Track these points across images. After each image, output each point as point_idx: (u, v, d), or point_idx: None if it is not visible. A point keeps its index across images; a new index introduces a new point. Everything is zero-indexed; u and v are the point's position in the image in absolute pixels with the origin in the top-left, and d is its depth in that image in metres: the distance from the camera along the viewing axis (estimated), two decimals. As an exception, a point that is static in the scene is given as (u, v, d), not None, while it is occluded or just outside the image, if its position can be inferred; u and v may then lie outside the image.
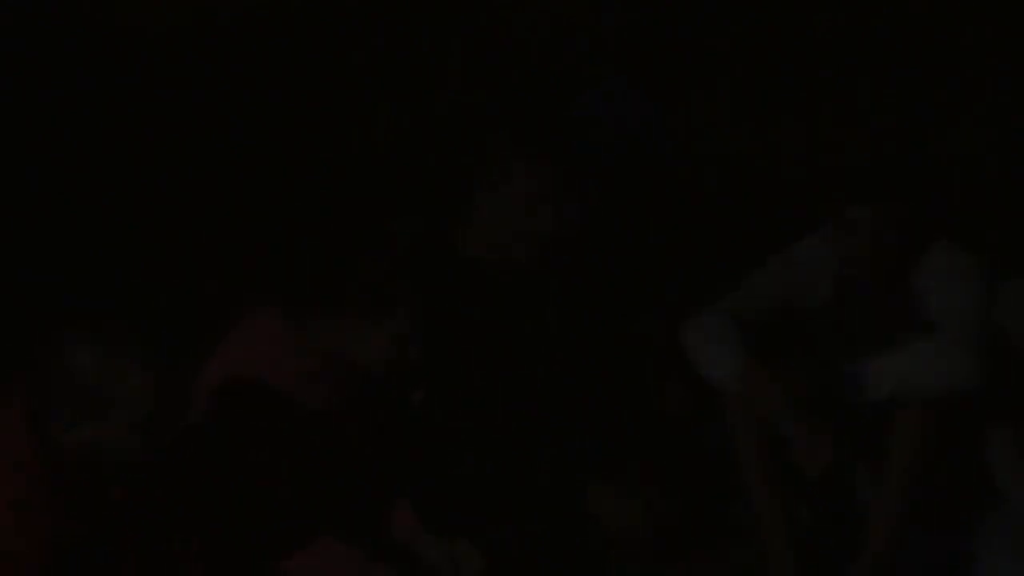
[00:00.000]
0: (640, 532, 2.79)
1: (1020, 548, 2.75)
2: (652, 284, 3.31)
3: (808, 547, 2.77)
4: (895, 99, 4.78)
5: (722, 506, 2.97)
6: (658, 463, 2.89)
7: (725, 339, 2.70)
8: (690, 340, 2.74)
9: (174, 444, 2.23)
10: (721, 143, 4.35)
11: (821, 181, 2.87)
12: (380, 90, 4.40)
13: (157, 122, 3.89)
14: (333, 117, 4.21)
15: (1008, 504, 2.79)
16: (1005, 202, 4.09)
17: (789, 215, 3.09)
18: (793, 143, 4.42)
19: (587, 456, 2.83)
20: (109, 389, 2.08)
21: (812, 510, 2.86)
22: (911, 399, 2.63)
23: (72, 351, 2.08)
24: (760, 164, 4.32)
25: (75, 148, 3.73)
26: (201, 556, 2.35)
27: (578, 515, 2.77)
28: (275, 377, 2.53)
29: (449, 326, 2.80)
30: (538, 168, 2.77)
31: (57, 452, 2.10)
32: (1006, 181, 4.26)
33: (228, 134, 3.88)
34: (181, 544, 2.31)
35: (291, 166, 3.60)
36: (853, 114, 4.61)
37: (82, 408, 2.08)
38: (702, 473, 2.93)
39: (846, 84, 4.85)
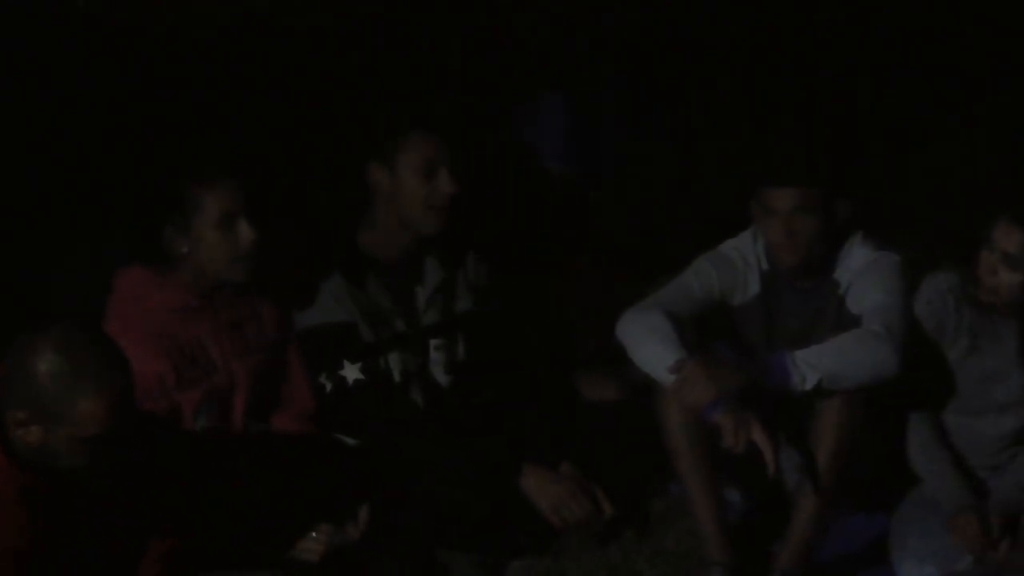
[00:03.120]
0: (561, 516, 2.81)
1: (930, 526, 2.83)
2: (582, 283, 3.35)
3: (738, 528, 2.83)
4: (825, 103, 4.80)
5: (657, 490, 3.01)
6: (593, 451, 2.91)
7: (660, 333, 2.72)
8: (627, 334, 2.77)
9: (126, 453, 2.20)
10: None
11: (748, 180, 2.88)
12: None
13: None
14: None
15: (921, 485, 2.87)
16: (921, 199, 4.16)
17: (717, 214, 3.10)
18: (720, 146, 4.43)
19: (520, 447, 2.85)
20: (60, 404, 2.09)
21: (741, 494, 2.94)
22: (835, 388, 2.67)
23: (37, 357, 2.08)
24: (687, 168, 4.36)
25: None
26: (161, 557, 2.36)
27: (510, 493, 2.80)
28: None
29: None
30: (426, 137, 2.79)
31: (14, 452, 2.10)
32: (920, 179, 4.34)
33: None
34: (138, 544, 2.31)
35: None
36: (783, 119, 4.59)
37: (35, 413, 2.09)
38: (635, 459, 2.94)
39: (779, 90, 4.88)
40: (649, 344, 2.72)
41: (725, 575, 2.70)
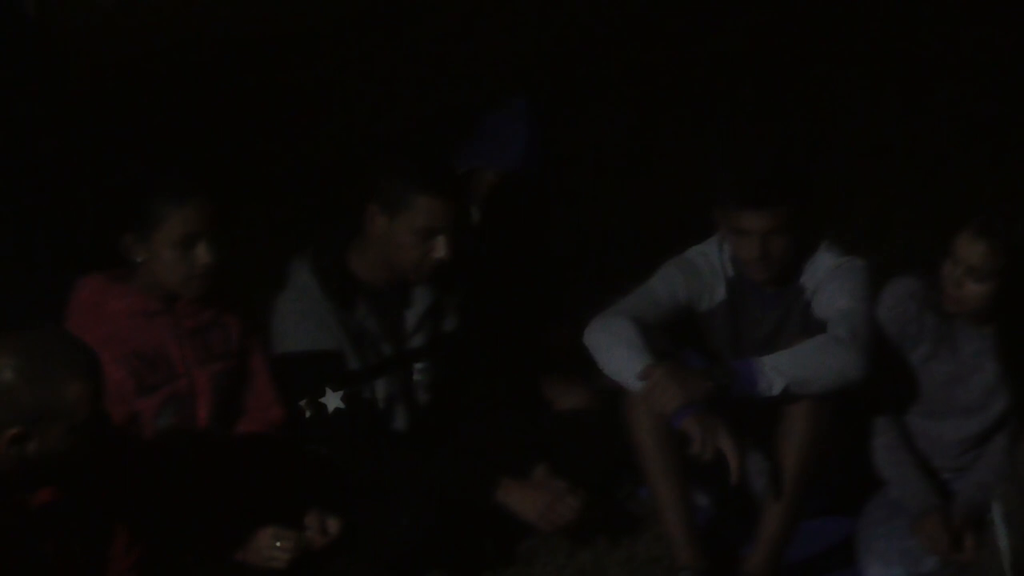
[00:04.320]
0: (550, 521, 2.82)
1: (894, 526, 2.85)
2: (552, 292, 3.38)
3: (707, 532, 2.83)
4: (775, 113, 5.02)
5: (626, 496, 3.04)
6: (563, 458, 2.91)
7: (627, 340, 2.72)
8: (594, 342, 2.77)
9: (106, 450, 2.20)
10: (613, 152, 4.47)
11: (716, 190, 2.90)
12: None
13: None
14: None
15: (886, 488, 2.88)
16: (884, 209, 4.20)
17: (684, 223, 3.13)
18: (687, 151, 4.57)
19: (499, 458, 2.88)
20: (47, 401, 2.09)
21: (710, 498, 2.96)
22: (802, 393, 2.69)
23: (1, 371, 2.07)
24: (653, 175, 4.43)
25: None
26: (128, 551, 2.34)
27: (491, 507, 2.81)
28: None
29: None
30: (435, 203, 2.80)
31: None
32: (876, 189, 4.38)
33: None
34: (106, 541, 2.30)
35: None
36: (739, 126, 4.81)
37: (29, 423, 2.09)
38: (604, 466, 2.97)
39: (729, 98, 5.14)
40: (617, 351, 2.72)
41: None
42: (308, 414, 2.82)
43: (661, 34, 5.83)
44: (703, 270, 2.92)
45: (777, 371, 2.67)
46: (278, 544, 2.57)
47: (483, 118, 3.47)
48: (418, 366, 2.96)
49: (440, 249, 2.80)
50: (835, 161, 4.56)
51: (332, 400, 2.83)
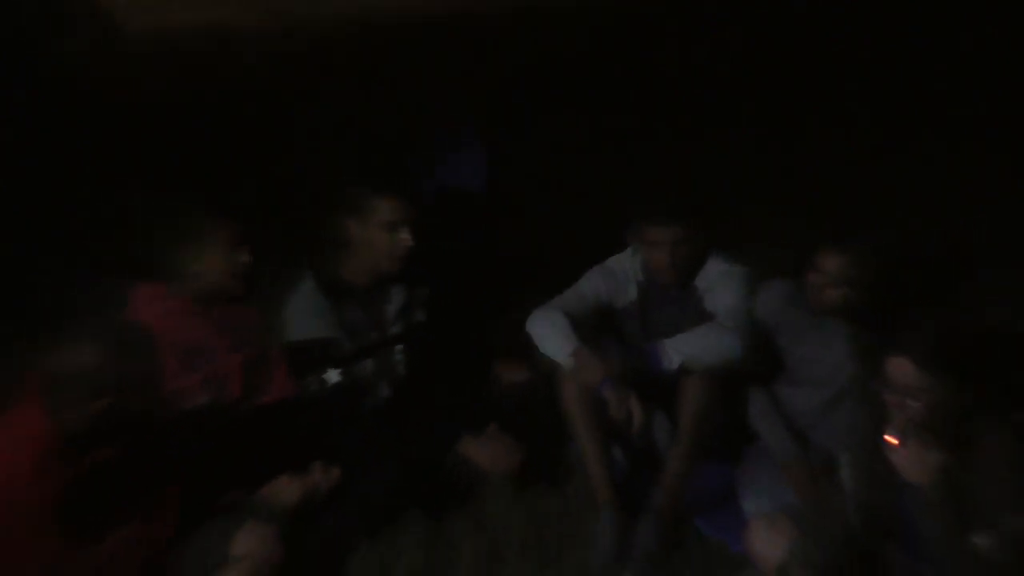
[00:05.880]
0: (499, 467, 3.05)
1: (766, 470, 3.09)
2: (500, 291, 3.62)
3: (622, 477, 3.07)
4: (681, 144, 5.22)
5: (559, 450, 3.21)
6: (509, 420, 3.12)
7: (560, 328, 2.98)
8: (534, 330, 3.04)
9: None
10: (555, 174, 4.68)
11: (631, 210, 3.12)
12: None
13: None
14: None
15: (759, 441, 3.14)
16: (766, 224, 4.39)
17: (609, 236, 3.29)
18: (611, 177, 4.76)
19: (458, 421, 3.10)
20: (99, 381, 2.33)
21: (623, 451, 3.17)
22: (695, 368, 2.97)
23: (78, 352, 2.33)
24: (582, 197, 4.61)
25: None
26: (173, 503, 2.60)
27: (454, 457, 3.04)
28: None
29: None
30: (391, 201, 3.03)
31: (61, 429, 2.36)
32: (767, 208, 4.60)
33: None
34: (157, 492, 2.56)
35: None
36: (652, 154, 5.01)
37: (86, 395, 2.34)
38: (542, 426, 3.14)
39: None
40: (552, 336, 2.98)
41: (613, 514, 2.92)
42: (313, 387, 3.07)
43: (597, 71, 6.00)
44: (619, 275, 3.15)
45: (676, 351, 2.94)
46: (291, 485, 2.79)
47: (439, 140, 3.68)
48: (397, 348, 3.20)
49: (405, 238, 3.03)
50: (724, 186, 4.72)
51: (332, 376, 3.08)
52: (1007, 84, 5.17)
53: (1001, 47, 5.47)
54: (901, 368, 2.40)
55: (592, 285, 3.17)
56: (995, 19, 5.59)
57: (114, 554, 2.46)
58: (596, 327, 3.12)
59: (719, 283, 3.13)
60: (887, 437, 2.45)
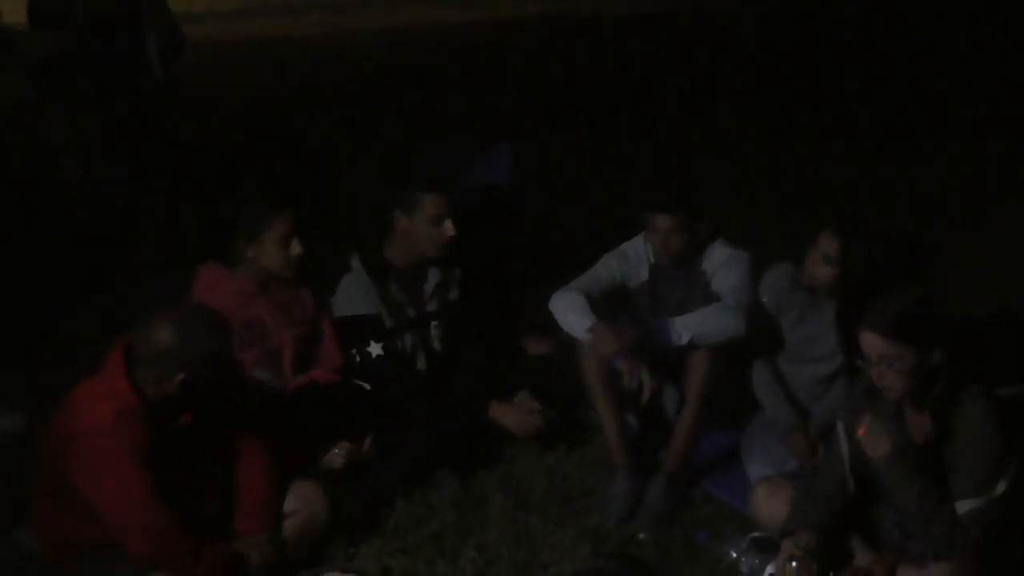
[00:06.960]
0: (525, 430, 3.23)
1: (769, 437, 3.21)
2: (525, 273, 3.78)
3: (635, 442, 3.19)
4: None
5: (579, 415, 3.39)
6: (535, 388, 3.30)
7: (578, 306, 3.11)
8: (555, 308, 3.17)
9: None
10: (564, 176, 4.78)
11: (641, 200, 3.27)
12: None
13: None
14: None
15: (763, 411, 3.27)
16: (767, 213, 4.54)
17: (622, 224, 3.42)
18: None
19: (489, 387, 3.27)
20: (179, 357, 2.52)
21: (636, 418, 3.30)
22: (702, 344, 3.08)
23: (174, 332, 2.52)
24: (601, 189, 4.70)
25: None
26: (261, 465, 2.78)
27: (484, 420, 3.22)
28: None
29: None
30: (437, 197, 3.23)
31: (143, 397, 2.55)
32: (767, 199, 4.71)
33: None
34: (228, 452, 2.76)
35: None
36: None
37: (166, 370, 2.52)
38: (563, 393, 3.31)
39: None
40: (571, 314, 3.12)
41: (627, 475, 3.08)
42: (358, 359, 3.27)
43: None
44: (632, 258, 3.28)
45: (685, 328, 3.08)
46: (336, 450, 3.00)
47: (478, 153, 3.92)
48: (433, 324, 3.38)
49: (449, 229, 3.23)
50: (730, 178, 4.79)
51: (375, 349, 3.29)
52: (1007, 84, 5.21)
53: (1001, 47, 5.47)
54: (870, 341, 2.57)
55: (607, 267, 3.31)
56: (995, 19, 5.60)
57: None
58: (611, 305, 3.25)
59: (724, 266, 3.27)
60: (859, 429, 2.64)
